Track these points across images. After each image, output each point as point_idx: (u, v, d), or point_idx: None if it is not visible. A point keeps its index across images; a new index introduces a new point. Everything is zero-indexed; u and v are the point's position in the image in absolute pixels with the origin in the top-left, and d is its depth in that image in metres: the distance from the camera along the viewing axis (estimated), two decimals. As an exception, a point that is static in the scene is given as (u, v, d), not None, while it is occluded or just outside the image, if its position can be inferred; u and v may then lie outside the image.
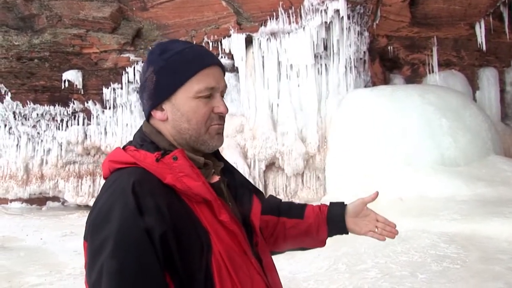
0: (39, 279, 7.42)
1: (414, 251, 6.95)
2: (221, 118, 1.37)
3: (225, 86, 1.40)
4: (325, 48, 14.17)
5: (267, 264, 1.40)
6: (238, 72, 14.95)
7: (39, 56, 16.43)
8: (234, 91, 15.09)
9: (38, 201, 19.15)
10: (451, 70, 16.05)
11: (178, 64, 1.32)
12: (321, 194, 13.54)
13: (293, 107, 14.08)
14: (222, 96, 1.39)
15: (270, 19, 14.44)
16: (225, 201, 1.33)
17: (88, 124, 17.98)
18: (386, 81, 15.58)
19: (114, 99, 17.23)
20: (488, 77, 16.29)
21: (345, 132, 12.70)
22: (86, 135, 17.94)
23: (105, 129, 17.69)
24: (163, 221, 1.14)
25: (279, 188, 14.34)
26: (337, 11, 13.37)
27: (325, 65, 14.19)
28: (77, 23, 15.95)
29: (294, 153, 13.66)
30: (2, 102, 17.78)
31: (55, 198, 19.27)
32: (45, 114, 18.09)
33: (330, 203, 1.75)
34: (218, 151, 1.46)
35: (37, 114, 18.03)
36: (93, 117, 17.86)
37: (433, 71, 15.56)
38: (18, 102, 17.84)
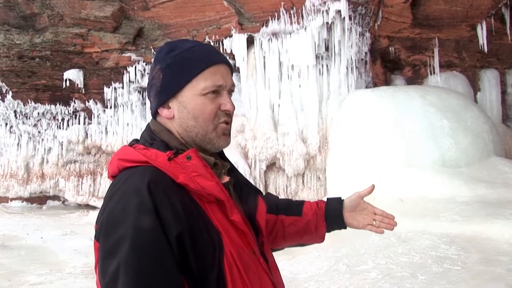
0: (39, 278, 7.42)
1: (414, 252, 6.94)
2: (228, 115, 1.36)
3: (233, 85, 1.39)
4: (327, 48, 14.17)
5: (271, 264, 1.41)
6: (239, 72, 14.95)
7: (41, 55, 16.44)
8: (235, 91, 15.03)
9: (39, 200, 19.19)
10: (452, 71, 16.05)
11: (185, 62, 1.32)
12: (321, 194, 13.54)
13: (294, 108, 14.08)
14: (230, 95, 1.38)
15: (271, 19, 14.44)
16: (235, 201, 1.33)
17: (89, 123, 18.01)
18: (387, 82, 15.58)
19: (115, 99, 17.25)
20: (489, 78, 16.29)
21: (346, 133, 12.69)
22: (87, 134, 17.98)
23: (106, 128, 17.72)
24: (179, 221, 1.14)
25: (280, 188, 14.34)
26: (339, 11, 13.36)
27: (327, 65, 14.19)
28: (79, 22, 15.96)
29: (295, 153, 13.65)
30: (3, 101, 17.82)
31: (55, 197, 19.31)
32: (46, 113, 18.12)
33: (328, 199, 1.76)
34: (223, 151, 1.46)
35: (38, 113, 18.07)
36: (94, 116, 17.88)
37: (434, 72, 15.57)
38: (19, 101, 17.87)
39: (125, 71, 16.63)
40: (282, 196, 13.65)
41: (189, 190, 1.22)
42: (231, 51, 14.94)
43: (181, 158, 1.22)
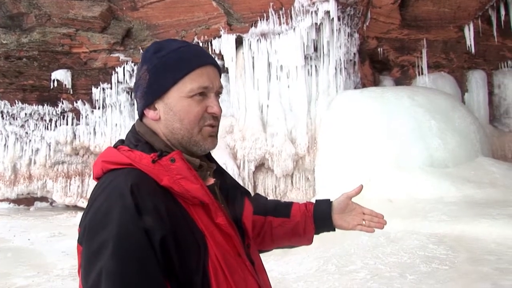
0: (26, 280, 7.35)
1: (403, 252, 6.97)
2: (215, 118, 1.34)
3: (221, 87, 1.37)
4: (315, 49, 14.20)
5: (258, 266, 1.39)
6: (228, 73, 14.95)
7: (28, 55, 16.32)
8: (224, 92, 15.07)
9: (26, 201, 19.04)
10: (440, 72, 16.15)
11: (172, 63, 1.30)
12: (310, 195, 13.56)
13: (283, 108, 14.09)
14: (218, 97, 1.36)
15: (260, 20, 14.44)
16: (220, 203, 1.31)
17: (77, 124, 17.90)
18: (375, 83, 15.65)
19: (104, 99, 17.17)
20: (476, 79, 16.41)
21: (334, 133, 12.72)
22: (75, 135, 17.87)
23: (94, 129, 17.63)
24: (162, 225, 1.12)
25: (269, 189, 14.34)
26: (328, 12, 13.40)
27: (315, 66, 14.23)
28: (67, 22, 15.86)
29: (283, 154, 13.67)
30: (-10, 102, 17.65)
31: (43, 199, 19.17)
32: (34, 114, 17.99)
33: (316, 200, 1.74)
34: (209, 152, 1.44)
35: (26, 114, 17.94)
36: (82, 117, 17.78)
37: (422, 73, 15.66)
38: (6, 102, 17.73)
39: (113, 72, 16.56)
40: (271, 196, 13.66)
41: (173, 193, 1.20)
42: (220, 51, 14.93)
43: (165, 160, 1.20)
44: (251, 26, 14.65)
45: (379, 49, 15.40)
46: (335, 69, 13.97)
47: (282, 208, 1.71)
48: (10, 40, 15.95)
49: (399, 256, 6.80)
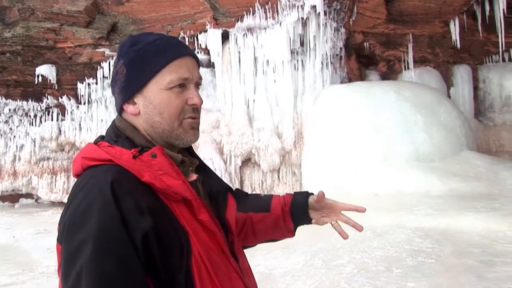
0: (10, 278, 7.27)
1: (389, 246, 7.01)
2: (195, 110, 1.31)
3: (200, 78, 1.33)
4: (302, 44, 14.20)
5: (243, 263, 1.37)
6: (214, 67, 14.89)
7: (11, 50, 16.12)
8: (210, 87, 15.03)
9: (11, 198, 18.83)
10: (426, 66, 16.24)
11: (149, 55, 1.27)
12: (297, 189, 13.57)
13: (269, 103, 14.09)
14: (197, 88, 1.33)
15: (246, 14, 14.40)
16: (203, 199, 1.28)
17: (62, 120, 17.72)
18: (362, 77, 15.69)
19: (89, 94, 17.01)
20: (462, 74, 16.53)
21: (321, 128, 12.74)
22: (60, 130, 17.68)
23: (79, 124, 17.46)
24: (144, 222, 1.09)
25: (255, 184, 14.34)
26: (314, 7, 13.40)
27: (302, 61, 14.23)
28: (51, 17, 15.68)
29: (270, 148, 13.67)
30: (-27, 97, 17.41)
31: (28, 195, 18.98)
32: (18, 110, 17.77)
33: (295, 193, 1.71)
34: (191, 147, 1.41)
35: (10, 110, 17.70)
36: (67, 113, 17.60)
37: (408, 68, 15.74)
38: (-10, 97, 17.50)
39: (98, 67, 16.41)
40: (257, 191, 13.68)
41: (155, 189, 1.17)
42: (206, 46, 14.87)
43: (146, 156, 1.18)
44: (237, 21, 14.61)
45: (365, 44, 15.44)
46: (322, 63, 13.98)
47: (262, 203, 1.69)
48: (-8, 34, 15.75)
49: (385, 250, 6.83)
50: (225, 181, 1.55)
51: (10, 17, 15.85)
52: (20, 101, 17.57)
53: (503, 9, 14.41)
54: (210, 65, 15.01)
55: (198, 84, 1.33)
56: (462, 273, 5.54)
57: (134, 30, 15.87)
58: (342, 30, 14.38)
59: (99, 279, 1.03)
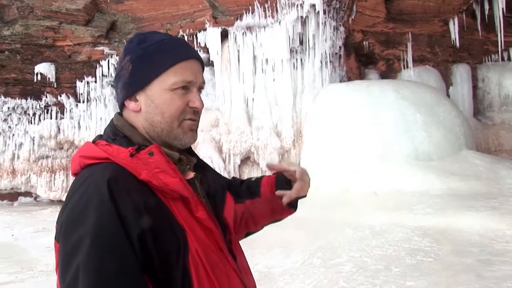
0: (10, 277, 7.25)
1: (388, 245, 7.01)
2: (196, 113, 1.32)
3: (203, 82, 1.35)
4: (301, 42, 14.19)
5: (241, 262, 1.37)
6: (213, 66, 14.88)
7: (10, 48, 16.10)
8: (209, 85, 15.02)
9: (10, 196, 18.82)
10: (425, 65, 16.25)
11: (156, 54, 1.27)
12: (296, 188, 13.56)
13: (268, 102, 14.08)
14: (200, 92, 1.34)
15: (246, 13, 14.40)
16: (200, 197, 1.27)
17: (61, 118, 17.72)
18: (361, 76, 15.69)
19: (88, 93, 17.02)
20: (461, 73, 16.54)
21: (320, 126, 12.74)
22: (59, 129, 17.68)
23: (78, 123, 17.47)
24: (141, 220, 1.09)
25: (254, 182, 14.34)
26: (313, 5, 13.39)
27: (301, 59, 14.22)
28: (50, 15, 15.66)
29: (269, 147, 13.66)
30: (-28, 95, 17.41)
31: (27, 193, 18.98)
32: (17, 108, 17.76)
33: (274, 174, 1.66)
34: (190, 146, 1.41)
35: (8, 108, 17.70)
36: (66, 111, 17.60)
37: (407, 67, 15.74)
38: (-12, 96, 17.48)
39: (98, 65, 16.41)
40: (257, 190, 13.66)
41: (152, 186, 1.17)
42: (205, 44, 14.87)
43: (143, 154, 1.18)
44: (237, 19, 14.60)
45: (364, 43, 15.44)
46: (321, 62, 13.99)
47: (254, 188, 1.65)
48: (-9, 33, 15.74)
49: (384, 249, 6.83)
50: (224, 179, 1.54)
51: (9, 15, 15.83)
52: (19, 99, 17.57)
53: (503, 8, 14.42)
54: (209, 63, 15.00)
55: (201, 88, 1.34)
56: (461, 272, 5.54)
57: (133, 28, 15.87)
58: (342, 29, 14.37)
59: (97, 277, 1.03)
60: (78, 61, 16.71)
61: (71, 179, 18.18)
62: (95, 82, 16.75)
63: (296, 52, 14.21)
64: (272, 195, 1.60)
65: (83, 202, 1.09)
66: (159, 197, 1.18)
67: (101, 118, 16.99)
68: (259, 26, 14.24)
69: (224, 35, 14.73)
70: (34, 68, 16.52)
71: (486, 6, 14.84)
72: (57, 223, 1.15)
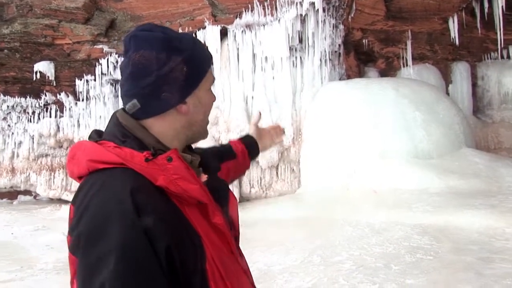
0: (9, 275, 7.25)
1: (388, 243, 7.02)
2: None
3: None
4: (300, 40, 14.18)
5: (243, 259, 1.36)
6: (213, 64, 14.83)
7: (9, 46, 16.09)
8: (209, 83, 15.00)
9: (9, 195, 18.80)
10: (424, 63, 16.25)
11: (202, 53, 1.28)
12: (295, 186, 13.57)
13: (268, 100, 14.06)
14: None
15: (245, 11, 14.39)
16: (215, 201, 1.23)
17: (60, 116, 17.69)
18: (360, 74, 15.68)
19: (87, 91, 16.98)
20: (460, 71, 16.54)
21: (319, 124, 12.74)
22: (58, 127, 17.65)
23: (78, 121, 17.43)
24: (166, 233, 1.04)
25: (254, 180, 14.31)
26: (312, 3, 13.38)
27: (300, 57, 14.21)
28: (49, 13, 15.64)
29: (268, 145, 13.63)
30: (-29, 94, 17.39)
31: (26, 192, 18.95)
32: (16, 106, 17.74)
33: (242, 138, 1.92)
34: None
35: (8, 106, 17.67)
36: (65, 109, 17.57)
37: (407, 65, 15.73)
38: (-12, 94, 17.47)
39: (97, 63, 16.37)
40: (256, 188, 13.65)
41: (168, 192, 1.12)
42: (205, 42, 14.80)
43: (161, 159, 1.12)
44: (236, 17, 14.59)
45: (364, 41, 15.43)
46: (320, 60, 13.97)
47: (229, 152, 1.81)
48: (-10, 31, 15.72)
49: (384, 247, 6.84)
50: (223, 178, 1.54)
51: (8, 13, 15.82)
52: (18, 97, 17.55)
53: (502, 6, 14.42)
54: (208, 62, 14.97)
55: None
56: (461, 269, 5.55)
57: (133, 26, 15.79)
58: (341, 27, 14.36)
59: None
60: (78, 59, 16.69)
61: (71, 178, 18.14)
62: (95, 80, 16.72)
63: (296, 50, 14.20)
64: (242, 155, 1.84)
65: (105, 213, 1.04)
66: (174, 203, 1.13)
67: (100, 117, 16.96)
68: (258, 24, 14.22)
69: (224, 33, 14.71)
70: (33, 67, 16.49)
71: (486, 4, 14.83)
72: (70, 234, 1.10)
